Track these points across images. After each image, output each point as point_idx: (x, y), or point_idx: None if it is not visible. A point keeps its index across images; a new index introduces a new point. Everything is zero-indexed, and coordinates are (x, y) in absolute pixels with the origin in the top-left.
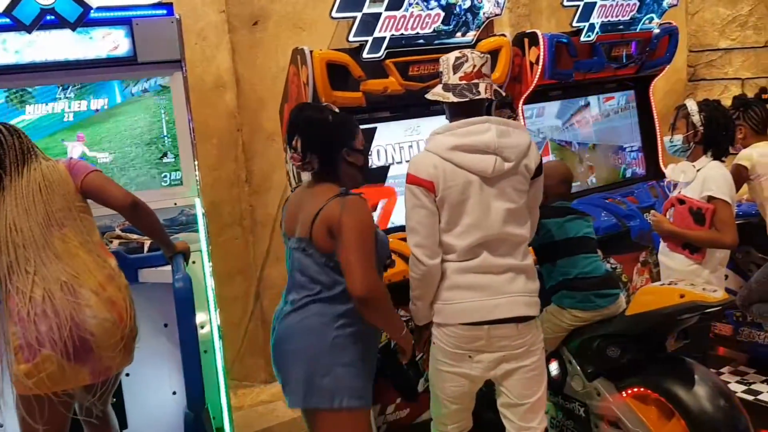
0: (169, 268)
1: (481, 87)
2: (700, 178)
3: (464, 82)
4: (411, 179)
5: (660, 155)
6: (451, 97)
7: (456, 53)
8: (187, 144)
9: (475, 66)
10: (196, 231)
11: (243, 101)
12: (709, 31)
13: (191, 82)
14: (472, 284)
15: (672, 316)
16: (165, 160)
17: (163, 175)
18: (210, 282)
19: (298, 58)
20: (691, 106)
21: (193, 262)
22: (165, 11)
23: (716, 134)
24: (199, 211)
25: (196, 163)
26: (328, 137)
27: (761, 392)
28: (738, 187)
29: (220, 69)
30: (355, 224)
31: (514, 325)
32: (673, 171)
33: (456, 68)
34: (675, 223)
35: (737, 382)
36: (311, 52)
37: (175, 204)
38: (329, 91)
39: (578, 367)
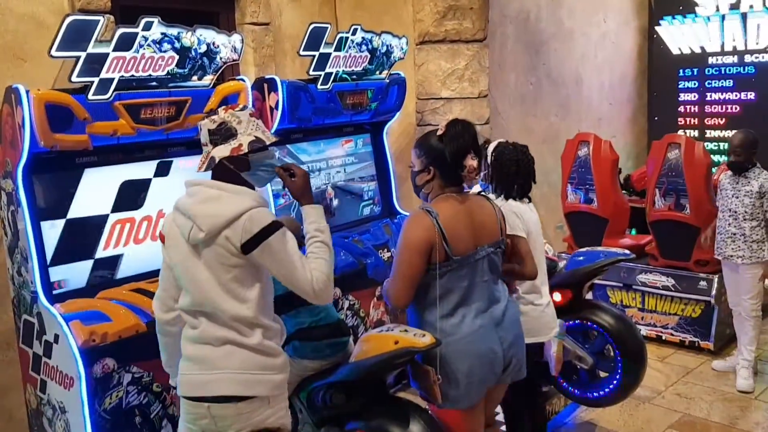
0: None
1: (200, 159)
2: None
3: None
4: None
5: (394, 195)
6: None
7: None
8: None
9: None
10: None
11: None
12: (433, 82)
13: None
14: (192, 355)
15: (388, 361)
16: None
17: None
18: None
19: (12, 97)
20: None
21: None
22: None
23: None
24: None
25: None
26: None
27: None
28: None
29: None
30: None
31: (234, 404)
32: None
33: None
34: None
35: None
36: (27, 91)
37: None
38: (49, 133)
39: (308, 416)
